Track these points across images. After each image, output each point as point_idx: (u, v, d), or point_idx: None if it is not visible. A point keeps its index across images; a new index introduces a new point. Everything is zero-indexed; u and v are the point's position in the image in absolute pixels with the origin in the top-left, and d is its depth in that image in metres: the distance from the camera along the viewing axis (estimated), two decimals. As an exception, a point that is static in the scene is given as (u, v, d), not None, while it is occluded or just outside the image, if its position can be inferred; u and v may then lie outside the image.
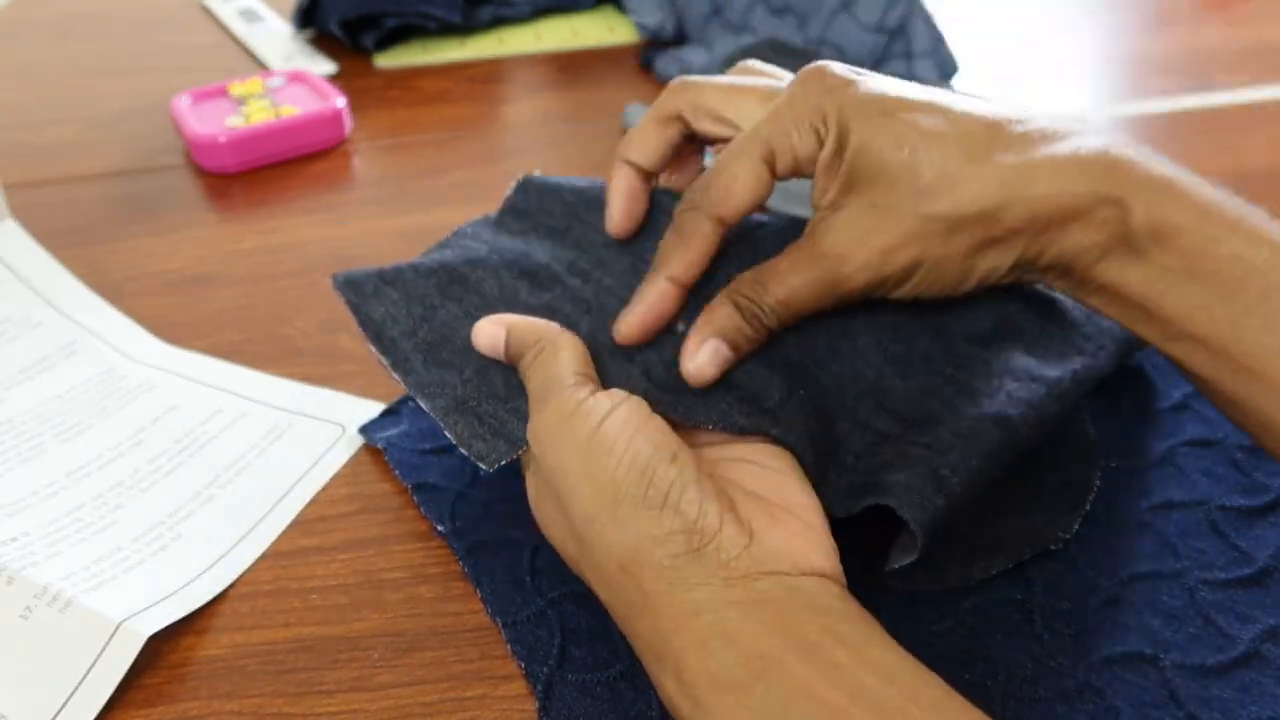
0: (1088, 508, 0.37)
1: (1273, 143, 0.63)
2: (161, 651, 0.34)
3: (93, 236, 0.56)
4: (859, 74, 0.33)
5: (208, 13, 0.88)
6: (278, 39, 0.81)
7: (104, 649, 0.32)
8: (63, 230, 0.56)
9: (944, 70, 0.67)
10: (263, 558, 0.38)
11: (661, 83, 0.72)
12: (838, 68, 0.33)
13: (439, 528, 0.38)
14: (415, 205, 0.59)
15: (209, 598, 0.36)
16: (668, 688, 0.27)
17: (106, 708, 0.32)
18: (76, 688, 0.32)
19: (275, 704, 0.32)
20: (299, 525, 0.39)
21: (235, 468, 0.41)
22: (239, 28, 0.83)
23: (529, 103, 0.72)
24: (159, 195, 0.61)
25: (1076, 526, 0.36)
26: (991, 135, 0.31)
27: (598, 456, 0.28)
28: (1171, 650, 0.32)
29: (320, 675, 0.33)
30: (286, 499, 0.40)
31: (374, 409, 0.44)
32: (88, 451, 0.41)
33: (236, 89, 0.67)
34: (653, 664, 0.27)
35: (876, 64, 0.66)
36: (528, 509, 0.33)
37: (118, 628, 0.32)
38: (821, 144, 0.33)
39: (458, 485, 0.39)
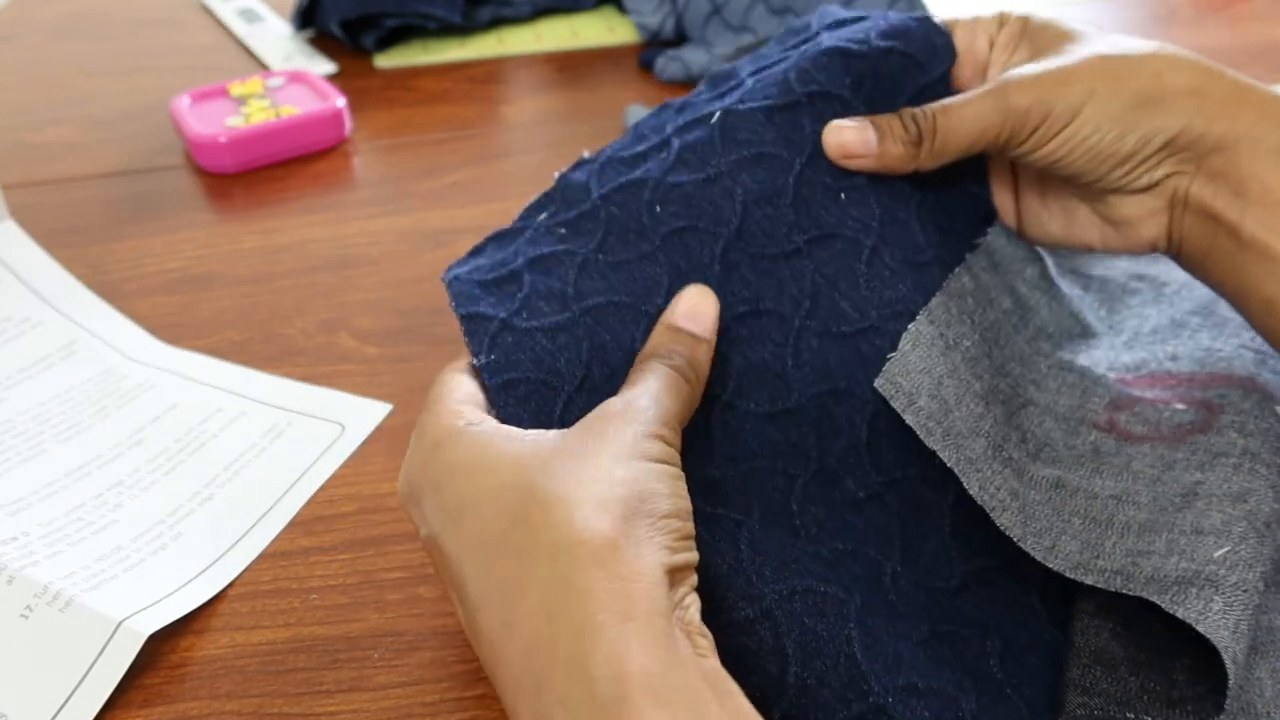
0: None
1: (1273, 143, 0.63)
2: (161, 651, 0.34)
3: (92, 236, 0.56)
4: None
5: (208, 13, 0.88)
6: (278, 39, 0.81)
7: (104, 648, 0.32)
8: (62, 230, 0.56)
9: (944, 70, 0.66)
10: (262, 558, 0.38)
11: (661, 83, 0.72)
12: None
13: (475, 360, 0.34)
14: (415, 205, 0.59)
15: (208, 597, 0.36)
16: None
17: (106, 707, 0.32)
18: (76, 687, 0.32)
19: (275, 704, 0.32)
20: (298, 525, 0.39)
21: (234, 467, 0.41)
22: (239, 28, 0.83)
23: (529, 103, 0.72)
24: (159, 195, 0.61)
25: None
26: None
27: None
28: None
29: (320, 675, 0.33)
30: (286, 498, 0.40)
31: (374, 408, 0.44)
32: (87, 451, 0.41)
33: (236, 89, 0.67)
34: None
35: (876, 64, 0.66)
36: (571, 344, 0.32)
37: (118, 627, 0.32)
38: (1002, 26, 0.38)
39: (502, 313, 0.35)
